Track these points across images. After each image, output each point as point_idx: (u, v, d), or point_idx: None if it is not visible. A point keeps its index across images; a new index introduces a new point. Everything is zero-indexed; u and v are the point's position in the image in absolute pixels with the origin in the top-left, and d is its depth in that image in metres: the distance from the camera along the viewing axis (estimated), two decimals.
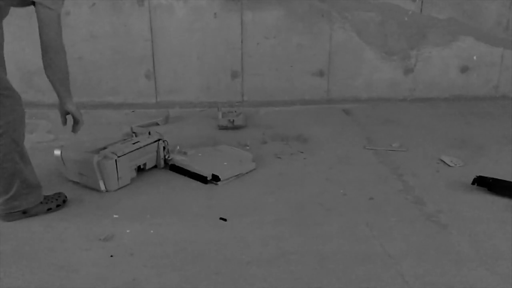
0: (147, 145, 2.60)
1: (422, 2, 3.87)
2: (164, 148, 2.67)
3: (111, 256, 1.90)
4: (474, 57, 4.07)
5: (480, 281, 1.76)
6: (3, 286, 1.72)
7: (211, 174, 2.52)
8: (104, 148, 2.48)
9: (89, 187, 2.44)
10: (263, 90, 4.01)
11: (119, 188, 2.44)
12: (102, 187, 2.40)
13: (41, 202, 2.18)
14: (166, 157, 2.69)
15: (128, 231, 2.08)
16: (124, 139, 2.67)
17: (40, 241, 2.00)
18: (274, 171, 2.70)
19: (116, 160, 2.38)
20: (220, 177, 2.50)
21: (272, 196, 2.41)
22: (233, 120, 3.39)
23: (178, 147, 2.83)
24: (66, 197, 2.29)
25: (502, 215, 2.23)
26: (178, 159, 2.69)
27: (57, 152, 2.44)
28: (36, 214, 2.17)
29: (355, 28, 3.91)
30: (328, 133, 3.32)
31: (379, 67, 4.03)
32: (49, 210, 2.20)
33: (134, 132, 2.84)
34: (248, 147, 3.03)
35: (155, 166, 2.70)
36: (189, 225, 2.14)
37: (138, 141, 2.59)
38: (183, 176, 2.61)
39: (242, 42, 3.85)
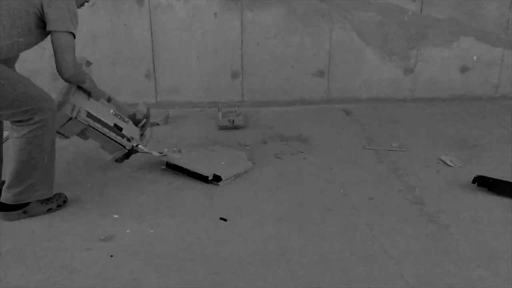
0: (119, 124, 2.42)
1: (422, 2, 3.87)
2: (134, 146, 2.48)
3: (111, 256, 1.90)
4: (474, 57, 4.06)
5: (480, 281, 1.76)
6: (3, 286, 1.72)
7: (212, 174, 2.52)
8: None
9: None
10: (263, 90, 4.01)
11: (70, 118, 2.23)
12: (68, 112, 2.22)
13: (41, 202, 2.18)
14: (134, 146, 2.48)
15: (128, 231, 2.08)
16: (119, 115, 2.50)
17: (40, 241, 2.00)
18: (274, 171, 2.70)
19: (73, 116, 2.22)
20: (222, 177, 2.50)
21: (272, 196, 2.41)
22: (233, 120, 3.39)
23: (175, 148, 2.81)
24: (66, 197, 2.29)
25: (502, 215, 2.23)
26: (174, 157, 2.67)
27: None
28: (36, 214, 2.17)
29: (355, 28, 3.91)
30: (328, 133, 3.32)
31: (379, 67, 4.03)
32: (49, 210, 2.20)
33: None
34: (248, 147, 3.03)
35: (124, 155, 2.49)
36: (189, 225, 2.14)
37: (120, 117, 2.45)
38: (183, 176, 2.61)
39: (242, 42, 3.85)
